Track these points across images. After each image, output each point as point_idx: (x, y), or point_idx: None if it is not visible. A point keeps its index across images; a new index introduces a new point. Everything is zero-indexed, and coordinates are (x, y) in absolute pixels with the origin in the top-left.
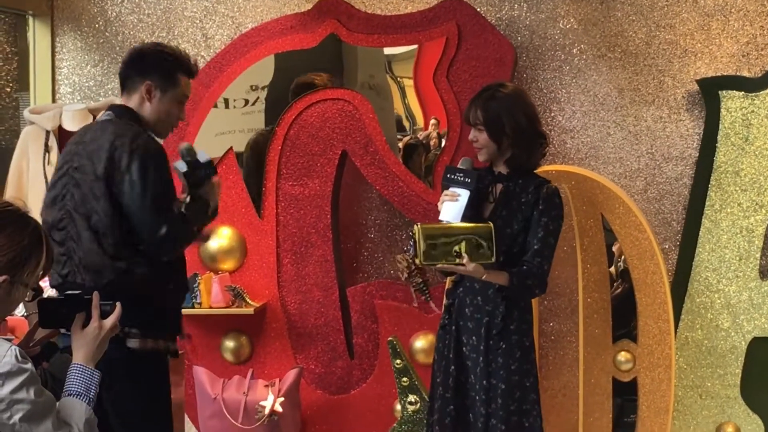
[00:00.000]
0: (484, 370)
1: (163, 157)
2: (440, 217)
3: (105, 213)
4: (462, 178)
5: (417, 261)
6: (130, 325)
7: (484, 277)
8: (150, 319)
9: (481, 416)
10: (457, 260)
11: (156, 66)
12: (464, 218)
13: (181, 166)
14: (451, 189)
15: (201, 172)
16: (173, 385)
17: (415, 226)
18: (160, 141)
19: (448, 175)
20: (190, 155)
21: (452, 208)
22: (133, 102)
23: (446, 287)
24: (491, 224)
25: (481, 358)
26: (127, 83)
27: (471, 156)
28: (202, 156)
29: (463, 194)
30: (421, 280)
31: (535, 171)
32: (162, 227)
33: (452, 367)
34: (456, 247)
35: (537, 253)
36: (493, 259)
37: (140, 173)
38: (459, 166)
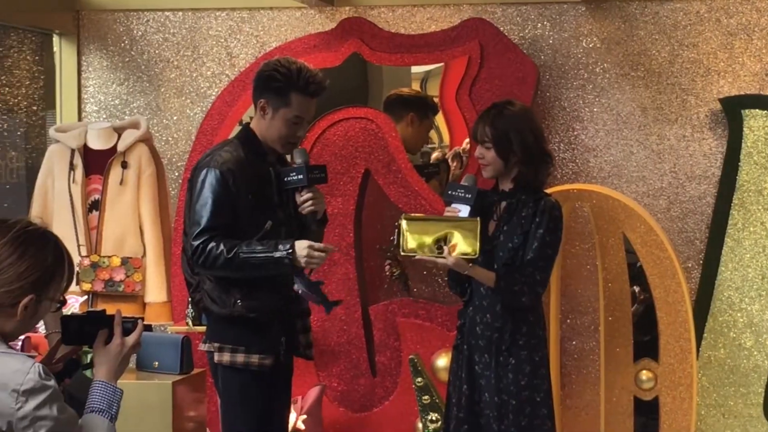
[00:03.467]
0: (495, 387)
1: (228, 174)
2: None
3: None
4: (462, 194)
5: (400, 251)
6: (222, 341)
7: (466, 272)
8: (240, 334)
9: None
10: (437, 252)
11: (269, 84)
12: None
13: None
14: (452, 205)
15: (316, 174)
16: (195, 402)
17: (402, 219)
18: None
19: (450, 192)
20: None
21: None
22: (255, 118)
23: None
24: (478, 219)
25: (492, 375)
26: (253, 101)
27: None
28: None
29: (464, 210)
30: (398, 271)
31: (544, 189)
32: (195, 240)
33: (464, 386)
34: (436, 240)
35: (530, 262)
36: (477, 255)
37: (199, 184)
38: (462, 182)
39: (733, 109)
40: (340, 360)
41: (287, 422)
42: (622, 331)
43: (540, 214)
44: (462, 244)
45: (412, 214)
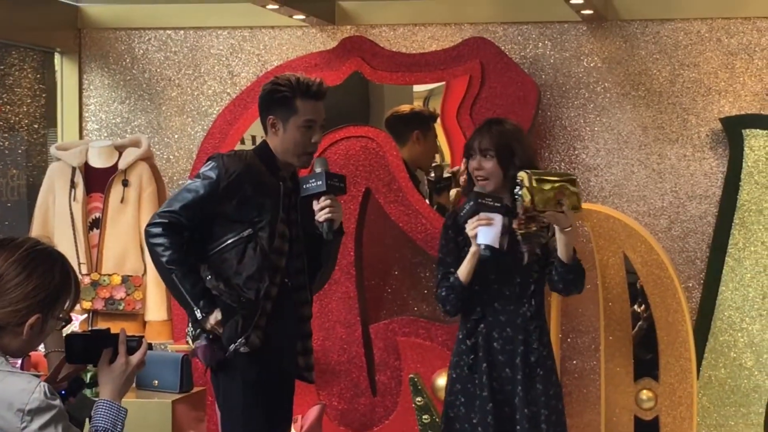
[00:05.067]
0: (523, 399)
1: (224, 176)
2: (478, 241)
3: None
4: (492, 203)
5: (530, 206)
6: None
7: (568, 229)
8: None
9: None
10: (557, 208)
11: (272, 99)
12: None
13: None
14: (482, 213)
15: (336, 182)
16: (195, 421)
17: (521, 173)
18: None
19: (480, 200)
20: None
21: (489, 231)
22: (268, 138)
23: (465, 325)
24: (575, 175)
25: (519, 388)
26: (262, 124)
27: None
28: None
29: (497, 218)
30: (537, 226)
31: None
32: (151, 226)
33: (489, 405)
34: (554, 194)
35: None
36: (581, 210)
37: (201, 168)
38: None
39: (733, 129)
40: (340, 379)
41: None
42: (622, 350)
43: None
44: (574, 200)
45: (531, 170)
